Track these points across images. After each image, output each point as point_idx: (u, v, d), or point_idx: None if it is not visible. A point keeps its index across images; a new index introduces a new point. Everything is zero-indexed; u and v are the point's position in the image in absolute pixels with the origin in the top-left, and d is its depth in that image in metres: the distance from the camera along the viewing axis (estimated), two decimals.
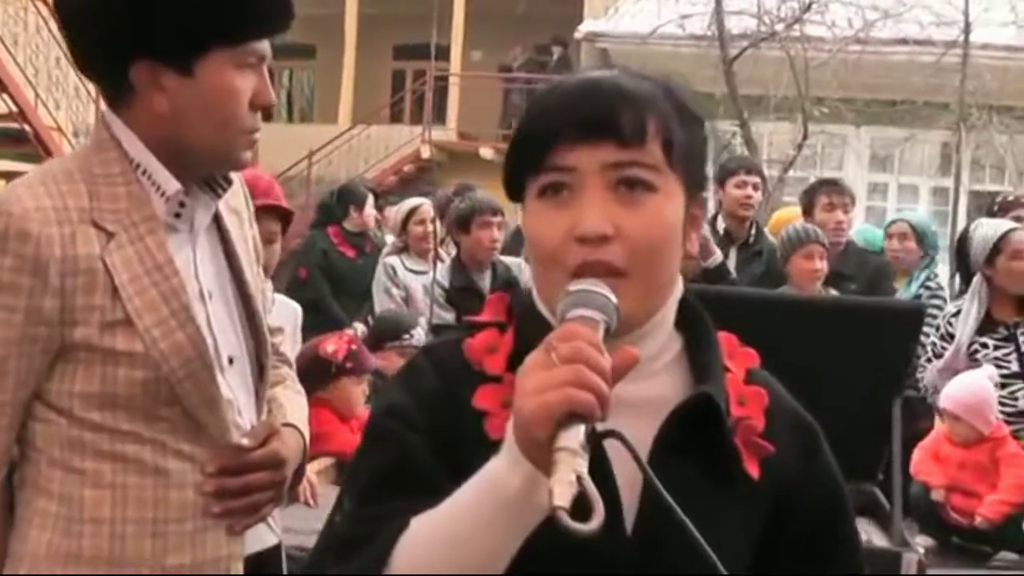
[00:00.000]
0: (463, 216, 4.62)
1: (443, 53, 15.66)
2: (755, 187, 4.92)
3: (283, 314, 3.17)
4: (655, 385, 1.16)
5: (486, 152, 14.42)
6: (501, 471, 1.00)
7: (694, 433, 1.12)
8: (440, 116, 15.72)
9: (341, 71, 16.12)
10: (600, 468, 1.05)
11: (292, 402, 1.79)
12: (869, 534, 2.88)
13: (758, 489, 1.15)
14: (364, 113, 15.28)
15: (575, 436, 0.94)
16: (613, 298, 1.05)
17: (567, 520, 0.89)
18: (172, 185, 1.54)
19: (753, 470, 1.15)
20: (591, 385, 0.95)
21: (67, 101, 11.27)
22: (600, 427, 1.01)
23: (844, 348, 2.86)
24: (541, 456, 0.95)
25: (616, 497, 1.09)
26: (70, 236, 1.47)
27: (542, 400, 0.95)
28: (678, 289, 1.19)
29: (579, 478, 0.92)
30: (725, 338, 1.22)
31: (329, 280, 5.72)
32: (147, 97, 1.51)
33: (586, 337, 0.98)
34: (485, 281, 4.58)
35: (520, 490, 0.98)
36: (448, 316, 4.44)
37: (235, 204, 1.70)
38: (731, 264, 4.64)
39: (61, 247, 1.46)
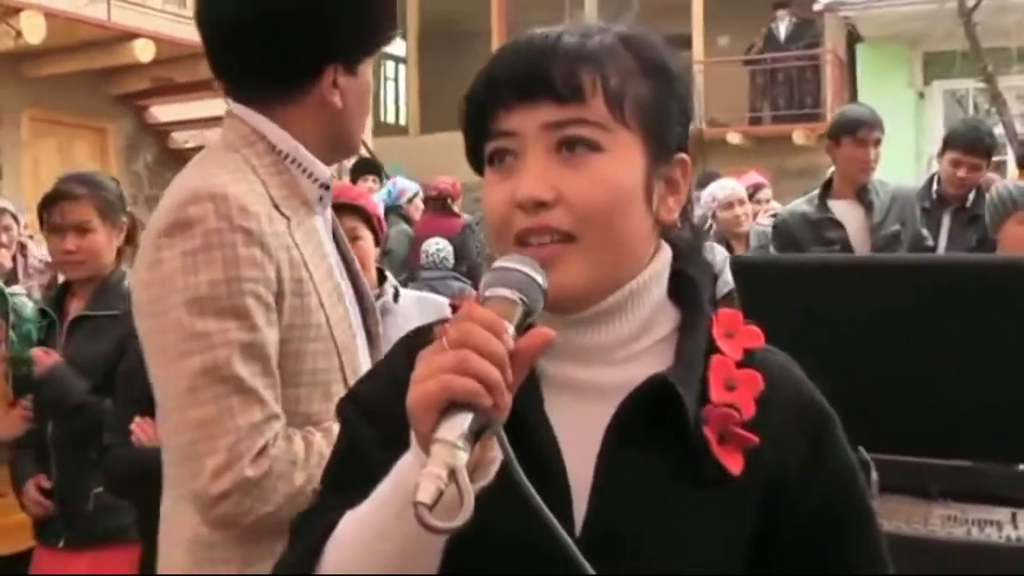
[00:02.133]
0: None
1: (687, 42, 15.72)
2: (972, 168, 4.60)
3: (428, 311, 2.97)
4: (634, 369, 1.06)
5: (733, 137, 14.38)
6: (405, 465, 0.94)
7: (657, 422, 1.03)
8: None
9: None
10: (550, 465, 1.01)
11: None
12: None
13: (740, 483, 1.04)
14: None
15: (456, 427, 0.87)
16: (537, 276, 0.97)
17: (427, 517, 0.83)
18: (324, 171, 1.67)
19: (733, 463, 1.04)
20: (474, 371, 0.88)
21: None
22: (555, 414, 1.00)
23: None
24: (429, 448, 0.88)
25: (566, 496, 1.02)
26: (267, 216, 1.54)
27: (422, 388, 0.89)
28: (661, 261, 1.10)
29: (453, 472, 0.85)
30: (726, 315, 1.12)
31: None
32: (328, 94, 1.64)
33: (482, 318, 0.91)
34: None
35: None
36: None
37: None
38: (944, 230, 4.52)
39: (269, 224, 1.54)
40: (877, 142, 4.37)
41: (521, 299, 0.96)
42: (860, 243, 4.31)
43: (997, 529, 1.94)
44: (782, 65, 14.88)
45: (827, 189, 4.53)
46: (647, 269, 1.08)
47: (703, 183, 8.69)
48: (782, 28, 14.58)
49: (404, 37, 16.88)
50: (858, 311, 2.11)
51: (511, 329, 0.93)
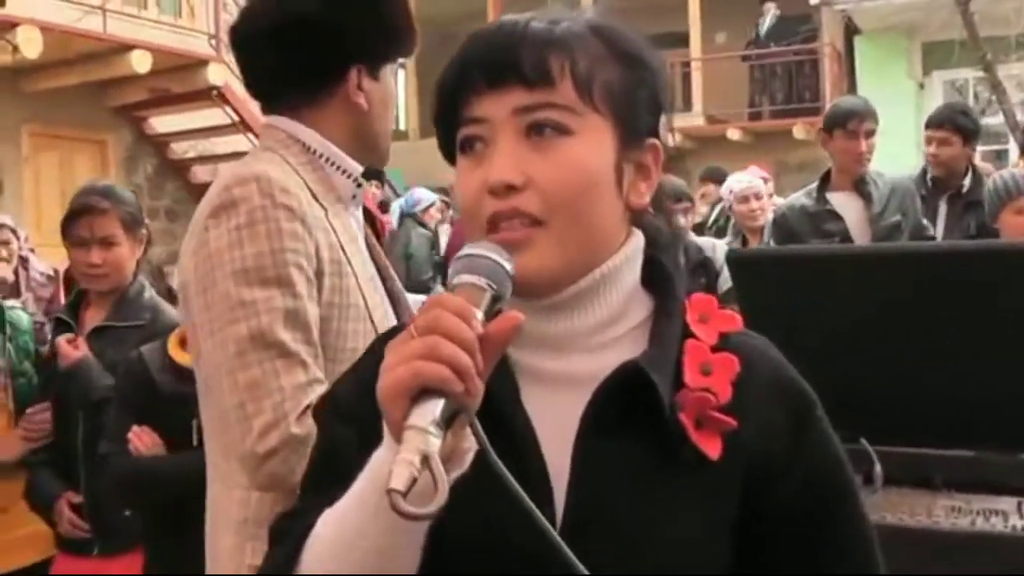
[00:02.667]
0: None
1: (684, 40, 15.75)
2: (941, 142, 4.72)
3: None
4: (608, 357, 1.05)
5: (733, 134, 14.39)
6: (379, 457, 0.94)
7: (632, 409, 1.03)
8: (686, 102, 15.86)
9: None
10: (528, 454, 1.01)
11: None
12: None
13: (719, 467, 1.03)
14: None
15: (428, 413, 0.87)
16: (504, 262, 0.97)
17: (401, 504, 0.82)
18: (356, 167, 1.76)
19: (711, 448, 1.03)
20: (444, 357, 0.87)
21: None
22: (532, 401, 1.00)
23: None
24: (401, 436, 0.87)
25: (546, 486, 1.01)
26: (307, 200, 1.64)
27: (392, 376, 0.88)
28: (633, 246, 1.10)
29: (426, 458, 0.84)
30: (700, 300, 1.12)
31: None
32: (353, 96, 1.73)
33: (451, 305, 0.90)
34: None
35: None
36: None
37: None
38: (940, 218, 4.54)
39: (309, 207, 1.63)
40: (869, 133, 4.37)
41: (489, 285, 0.95)
42: (860, 235, 4.31)
43: (1003, 519, 1.92)
44: (780, 60, 14.87)
45: (825, 182, 4.53)
46: (618, 254, 1.08)
47: (708, 179, 8.77)
48: (765, 23, 14.61)
49: None
50: (856, 302, 2.09)
51: (480, 315, 0.92)
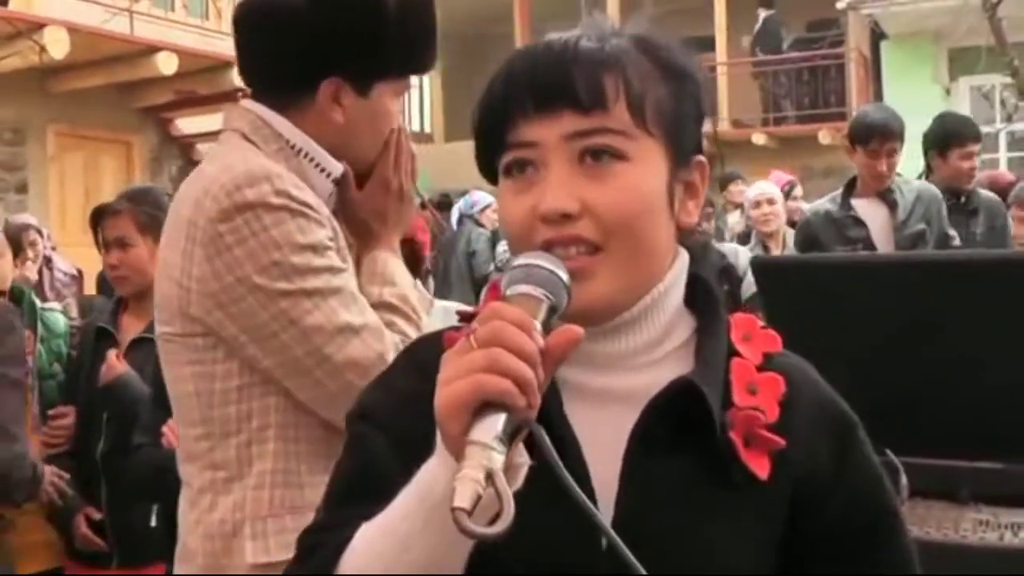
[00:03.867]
0: None
1: (710, 44, 15.74)
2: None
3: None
4: (654, 375, 1.04)
5: (758, 138, 14.32)
6: (431, 471, 0.91)
7: (682, 426, 1.01)
8: (712, 107, 15.79)
9: None
10: (574, 470, 0.95)
11: None
12: None
13: (769, 487, 1.02)
14: None
15: (490, 428, 0.84)
16: (562, 273, 0.94)
17: (466, 523, 0.79)
18: (336, 165, 1.68)
19: (760, 467, 1.02)
20: (506, 369, 0.84)
21: None
22: (549, 419, 0.93)
23: None
24: (461, 451, 0.84)
25: (592, 502, 0.95)
26: (308, 191, 1.60)
27: (452, 390, 0.85)
28: (680, 266, 1.08)
29: (490, 475, 0.82)
30: (742, 319, 1.10)
31: None
32: (326, 109, 1.65)
33: (511, 316, 0.87)
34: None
35: (448, 490, 0.83)
36: None
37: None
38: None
39: (317, 202, 1.60)
40: (891, 152, 4.31)
41: (546, 295, 0.93)
42: (883, 242, 4.28)
43: None
44: (807, 64, 14.81)
45: (850, 188, 4.50)
46: (667, 275, 1.07)
47: (723, 184, 8.77)
48: (755, 29, 14.65)
49: None
50: (882, 311, 2.07)
51: (538, 326, 0.89)
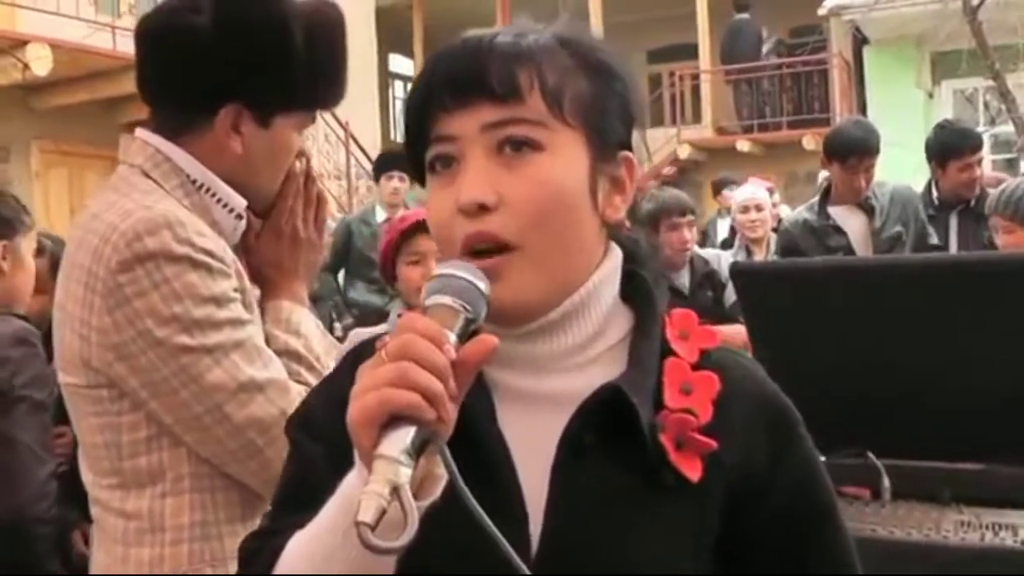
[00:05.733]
0: (651, 217, 4.35)
1: (694, 51, 15.78)
2: (980, 163, 4.65)
3: None
4: (587, 377, 1.03)
5: (742, 145, 14.36)
6: (350, 484, 0.91)
7: (612, 431, 1.00)
8: (696, 114, 15.88)
9: None
10: (504, 479, 0.98)
11: None
12: None
13: (700, 489, 1.00)
14: None
15: (398, 441, 0.84)
16: (479, 282, 0.94)
17: (369, 537, 0.81)
18: (239, 200, 1.62)
19: (691, 469, 1.00)
20: (414, 383, 0.85)
21: (317, 146, 12.20)
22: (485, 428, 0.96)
23: None
24: (372, 464, 0.85)
25: (522, 511, 0.98)
26: (212, 236, 1.55)
27: (361, 403, 0.86)
28: (611, 264, 1.07)
29: (396, 489, 0.83)
30: (680, 316, 1.09)
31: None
32: (224, 136, 1.59)
33: (423, 329, 0.88)
34: (684, 278, 4.46)
35: None
36: None
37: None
38: (953, 232, 4.48)
39: (221, 245, 1.55)
40: (869, 167, 4.32)
41: (463, 307, 0.93)
42: (863, 248, 4.29)
43: (1012, 533, 1.89)
44: (790, 71, 14.87)
45: (826, 196, 4.51)
46: (596, 273, 1.05)
47: (717, 189, 8.79)
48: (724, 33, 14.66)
49: (411, 55, 17.00)
50: (862, 315, 2.07)
51: (453, 338, 0.90)
